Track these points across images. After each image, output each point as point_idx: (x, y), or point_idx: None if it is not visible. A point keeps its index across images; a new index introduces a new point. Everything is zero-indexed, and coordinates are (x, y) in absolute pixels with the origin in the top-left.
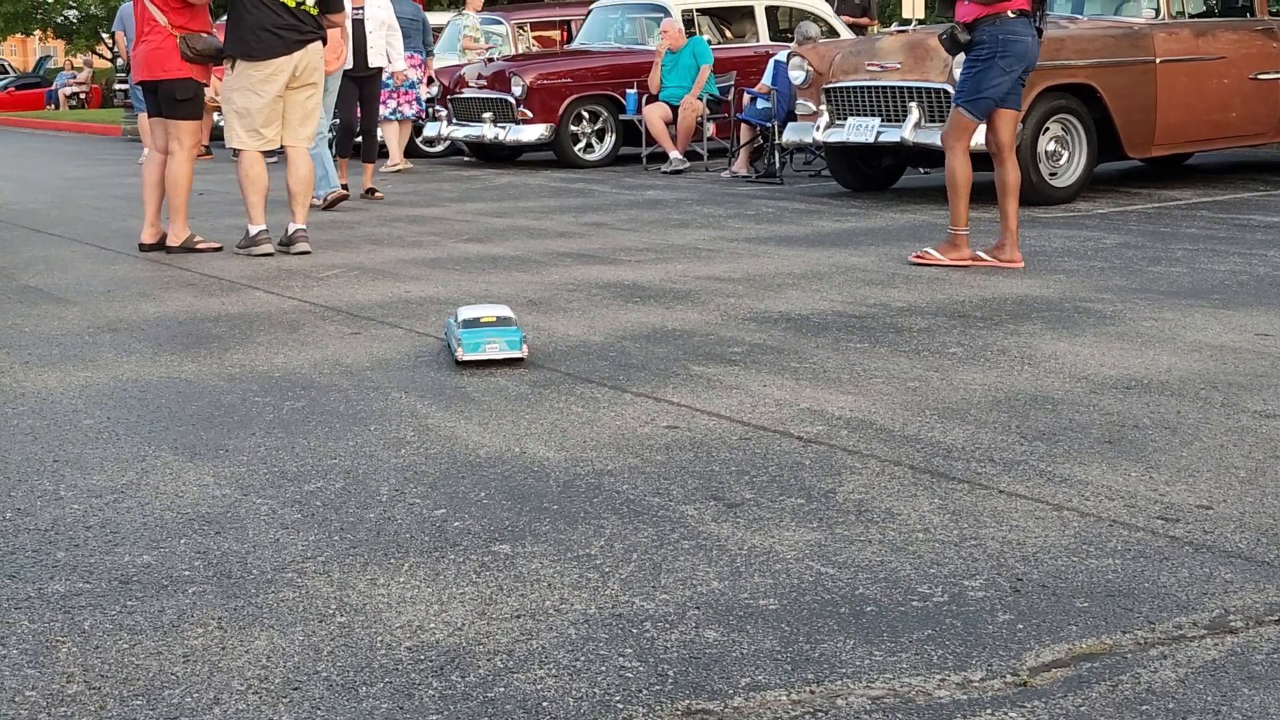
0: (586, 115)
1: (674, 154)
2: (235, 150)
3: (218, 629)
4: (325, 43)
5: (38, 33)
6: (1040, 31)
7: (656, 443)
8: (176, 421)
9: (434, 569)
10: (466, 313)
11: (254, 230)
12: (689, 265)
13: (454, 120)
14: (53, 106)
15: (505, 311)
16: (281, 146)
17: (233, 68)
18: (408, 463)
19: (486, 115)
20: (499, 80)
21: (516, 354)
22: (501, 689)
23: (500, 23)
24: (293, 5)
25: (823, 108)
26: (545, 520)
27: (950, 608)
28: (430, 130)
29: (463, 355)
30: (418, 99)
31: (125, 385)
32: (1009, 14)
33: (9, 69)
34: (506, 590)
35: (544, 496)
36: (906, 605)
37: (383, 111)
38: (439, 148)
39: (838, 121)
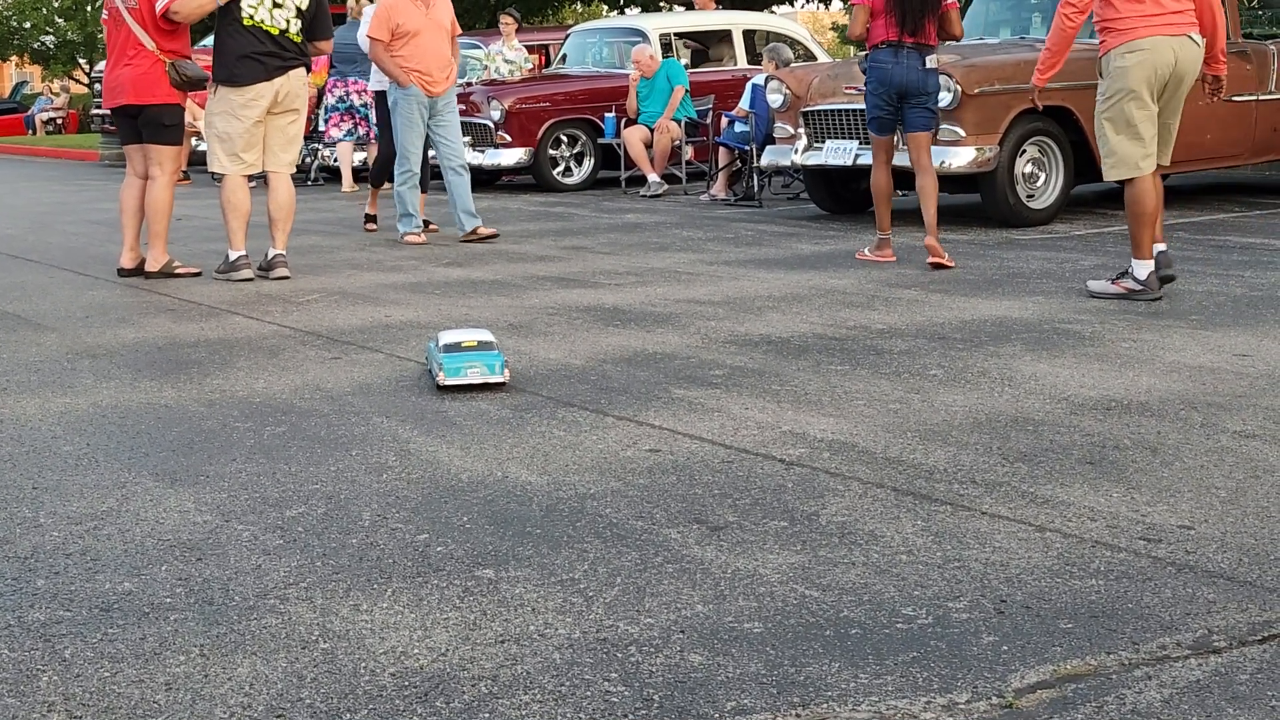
0: (565, 139)
1: (652, 177)
2: (217, 175)
3: (200, 656)
4: (309, 70)
5: (14, 58)
6: (923, 60)
7: (639, 466)
8: (157, 448)
9: (417, 594)
10: (447, 337)
11: (234, 255)
12: (669, 288)
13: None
14: (30, 132)
15: (486, 336)
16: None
17: (215, 92)
18: (390, 487)
19: (465, 139)
20: (477, 104)
21: (497, 379)
22: (486, 715)
23: (479, 47)
24: (276, 33)
25: (801, 131)
26: (528, 544)
27: (935, 629)
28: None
29: (444, 380)
30: (369, 122)
31: (105, 411)
32: (877, 45)
33: None
34: (490, 615)
35: (527, 521)
36: (891, 627)
37: (336, 134)
38: None
39: (816, 144)
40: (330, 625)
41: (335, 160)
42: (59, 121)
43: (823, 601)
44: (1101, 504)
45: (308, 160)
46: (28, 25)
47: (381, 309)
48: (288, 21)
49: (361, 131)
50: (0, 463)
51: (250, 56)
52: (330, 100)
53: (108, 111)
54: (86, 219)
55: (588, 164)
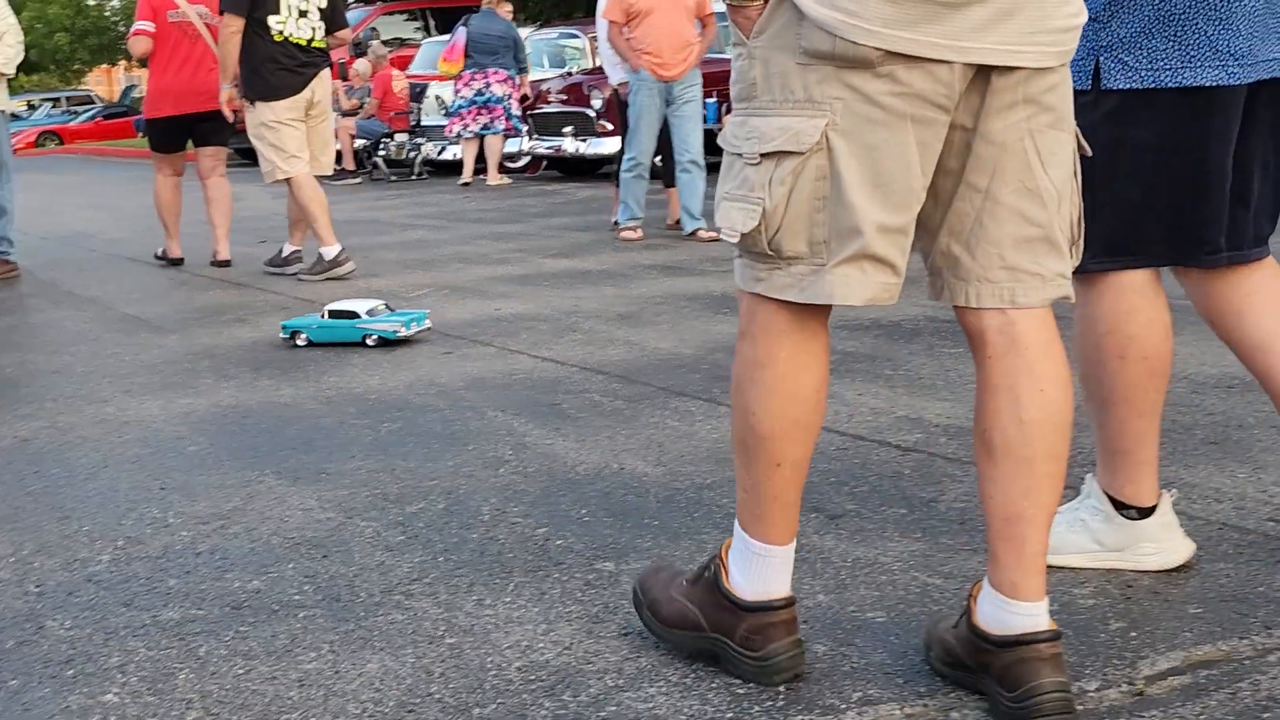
0: None
1: None
2: (284, 180)
3: (330, 653)
4: (332, 67)
5: (123, 62)
6: None
7: None
8: (278, 446)
9: (539, 588)
10: (355, 306)
11: (330, 253)
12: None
13: (535, 135)
14: (139, 135)
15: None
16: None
17: (253, 107)
18: (507, 482)
19: (566, 129)
20: (578, 94)
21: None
22: (614, 708)
23: (578, 36)
24: (304, 43)
25: None
26: (647, 536)
27: (1061, 616)
28: (511, 146)
29: (411, 330)
30: (507, 114)
31: (226, 411)
32: None
33: (96, 99)
34: (612, 608)
35: (644, 512)
36: None
37: (473, 128)
38: (520, 163)
39: None
40: (455, 620)
41: (457, 155)
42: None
43: (945, 589)
44: (1227, 485)
45: (411, 155)
46: None
47: (491, 302)
48: (313, 30)
49: (501, 125)
50: (128, 463)
51: (285, 69)
52: (467, 94)
53: (157, 117)
54: (199, 219)
55: None
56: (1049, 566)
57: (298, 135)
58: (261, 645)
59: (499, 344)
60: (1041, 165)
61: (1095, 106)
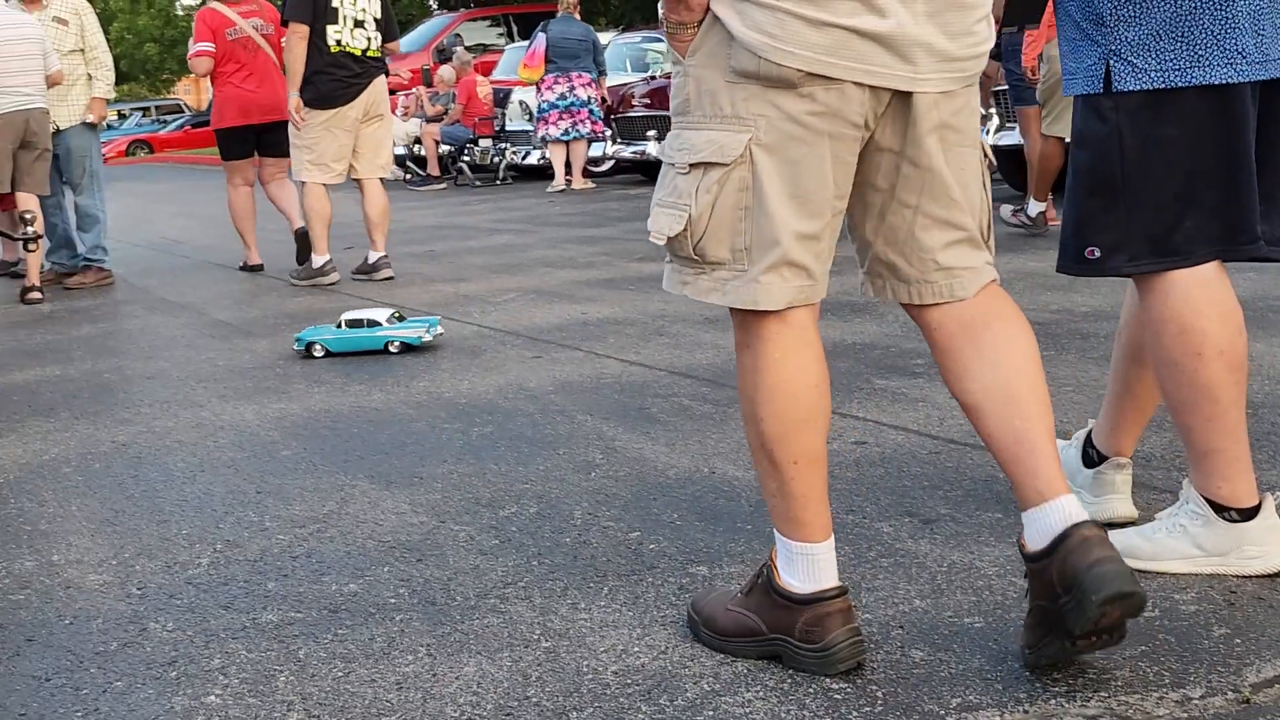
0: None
1: None
2: (302, 181)
3: (427, 656)
4: (387, 74)
5: None
6: None
7: (845, 459)
8: (370, 450)
9: (633, 592)
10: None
11: (318, 261)
12: None
13: (619, 139)
14: None
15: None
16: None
17: (306, 111)
18: (598, 485)
19: (651, 133)
20: (662, 98)
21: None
22: (711, 712)
23: (661, 40)
24: (359, 53)
25: (992, 111)
26: (740, 540)
27: (1163, 623)
28: (595, 150)
29: (431, 334)
30: (592, 115)
31: (318, 416)
32: None
33: (185, 108)
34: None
35: (736, 516)
36: None
37: (554, 132)
38: (604, 167)
39: (1008, 124)
40: (550, 624)
41: (543, 159)
42: None
43: None
44: None
45: (495, 160)
46: None
47: (578, 306)
48: (368, 40)
49: (585, 129)
50: (224, 467)
51: (338, 79)
52: (550, 97)
53: (224, 128)
54: (279, 225)
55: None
56: (1148, 573)
57: (335, 145)
58: (359, 648)
59: (586, 348)
60: (959, 181)
61: (1116, 111)
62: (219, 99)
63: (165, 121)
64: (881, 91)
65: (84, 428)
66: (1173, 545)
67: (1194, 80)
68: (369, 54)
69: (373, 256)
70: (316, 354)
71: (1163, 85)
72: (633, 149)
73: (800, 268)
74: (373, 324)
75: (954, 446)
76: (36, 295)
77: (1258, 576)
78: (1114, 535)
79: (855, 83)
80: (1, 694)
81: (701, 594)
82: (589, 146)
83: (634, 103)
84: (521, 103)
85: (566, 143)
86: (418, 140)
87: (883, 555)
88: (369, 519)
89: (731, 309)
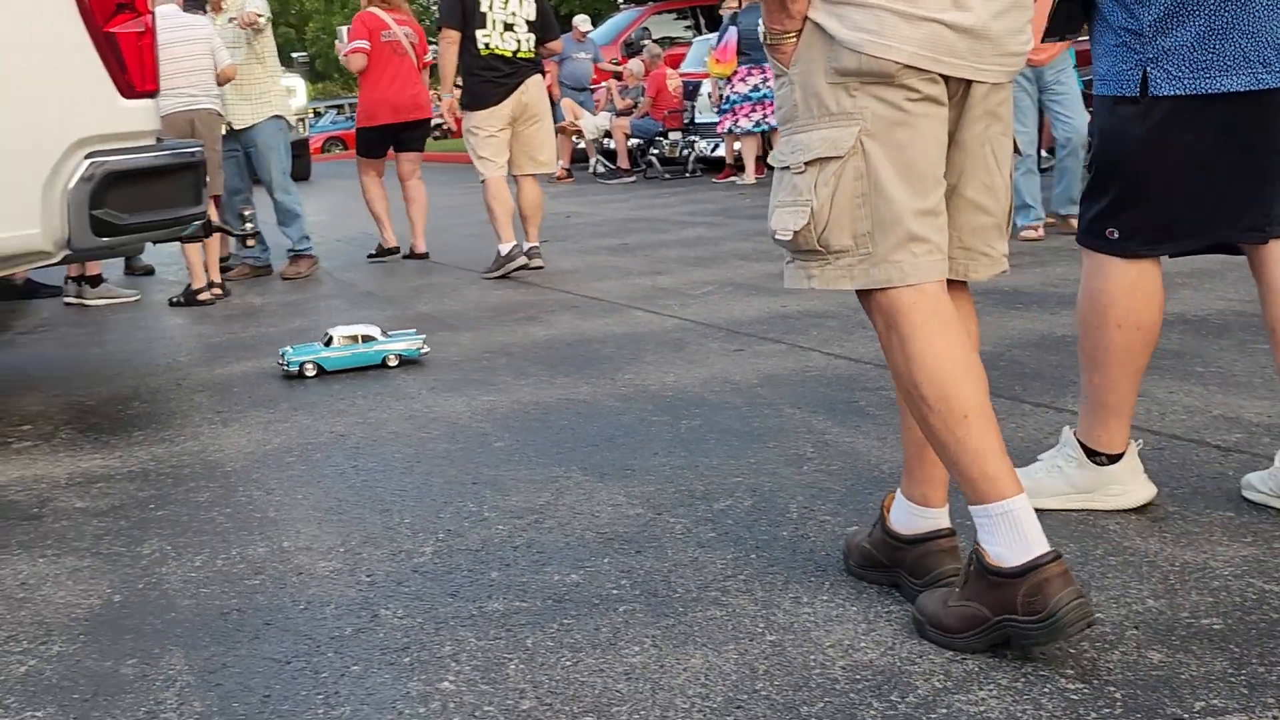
0: None
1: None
2: (482, 179)
3: (653, 647)
4: (544, 74)
5: None
6: None
7: None
8: (581, 442)
9: (856, 587)
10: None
11: (505, 248)
12: (1067, 268)
13: None
14: None
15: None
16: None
17: (464, 112)
18: (811, 479)
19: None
20: None
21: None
22: (944, 710)
23: None
24: (509, 55)
25: None
26: (960, 536)
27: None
28: None
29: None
30: None
31: (527, 408)
32: None
33: None
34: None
35: (954, 512)
36: None
37: (746, 124)
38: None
39: None
40: (774, 618)
41: (736, 149)
42: (445, 127)
43: None
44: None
45: (685, 153)
46: None
47: (776, 299)
48: (518, 42)
49: (775, 120)
50: (439, 459)
51: (489, 82)
52: (742, 89)
53: (370, 125)
54: (479, 219)
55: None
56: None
57: (495, 142)
58: (585, 638)
59: (789, 341)
60: (997, 165)
61: (1149, 112)
62: (369, 98)
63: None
64: (956, 80)
65: (303, 418)
66: (1049, 484)
67: (1223, 87)
68: (520, 55)
69: (525, 246)
70: (309, 373)
71: (1194, 91)
72: None
73: (925, 241)
74: (367, 339)
75: (1178, 442)
76: (217, 291)
77: (1118, 511)
78: None
79: (941, 73)
80: (245, 675)
81: (921, 597)
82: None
83: None
84: (710, 95)
85: (760, 134)
86: (607, 134)
87: (1110, 553)
88: (585, 510)
89: (864, 298)
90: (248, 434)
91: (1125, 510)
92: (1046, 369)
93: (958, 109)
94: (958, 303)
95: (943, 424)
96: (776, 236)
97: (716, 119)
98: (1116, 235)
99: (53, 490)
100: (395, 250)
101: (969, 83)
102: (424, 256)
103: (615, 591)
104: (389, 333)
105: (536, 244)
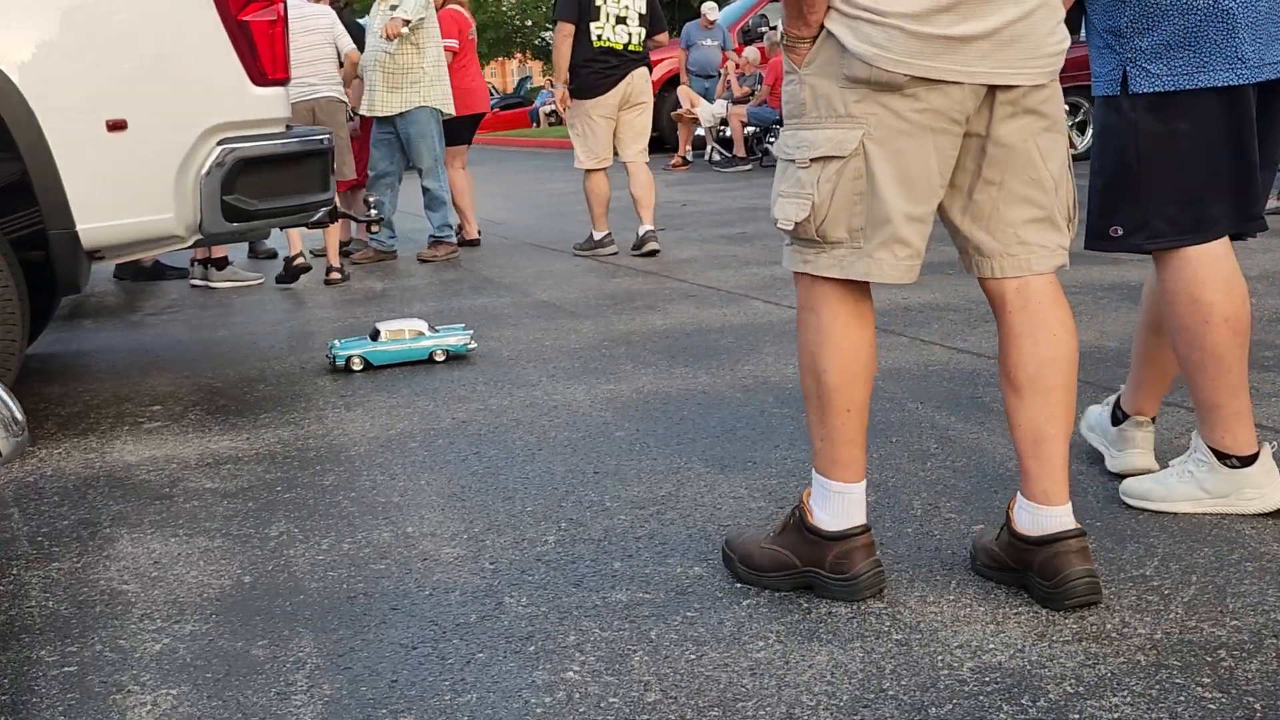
0: (1066, 107)
1: None
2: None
3: (777, 642)
4: (650, 67)
5: (517, 55)
6: None
7: None
8: (701, 433)
9: (983, 587)
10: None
11: (598, 235)
12: None
13: None
14: (534, 124)
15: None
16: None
17: (572, 101)
18: (936, 476)
19: None
20: None
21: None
22: (1076, 716)
23: None
24: (620, 48)
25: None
26: (1091, 538)
27: None
28: None
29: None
30: None
31: (647, 397)
32: None
33: (494, 91)
34: (1063, 612)
35: (1084, 512)
36: None
37: None
38: None
39: None
40: (900, 616)
41: None
42: (556, 114)
43: None
44: None
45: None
46: (529, 23)
47: (898, 292)
48: (629, 35)
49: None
50: (561, 447)
51: (597, 72)
52: None
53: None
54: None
55: (1089, 133)
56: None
57: (601, 133)
58: (710, 631)
59: (910, 334)
60: (1042, 160)
61: (1132, 109)
62: (456, 90)
63: None
64: (978, 87)
65: (425, 404)
66: (1182, 489)
67: (1199, 83)
68: (630, 48)
69: (641, 230)
70: (355, 367)
71: (1172, 88)
72: None
73: (908, 245)
74: (415, 333)
75: None
76: (336, 275)
77: (1255, 515)
78: (1131, 482)
79: (953, 82)
80: (372, 659)
81: (734, 534)
82: None
83: None
84: None
85: None
86: (724, 122)
87: (1246, 559)
88: (707, 502)
89: (799, 275)
90: (371, 419)
91: (1261, 514)
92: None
93: (987, 111)
94: (1049, 294)
95: (828, 409)
96: (779, 224)
97: None
98: (1120, 233)
99: (183, 470)
100: (476, 242)
101: (993, 86)
102: (475, 243)
103: (739, 585)
104: (437, 327)
105: (652, 227)
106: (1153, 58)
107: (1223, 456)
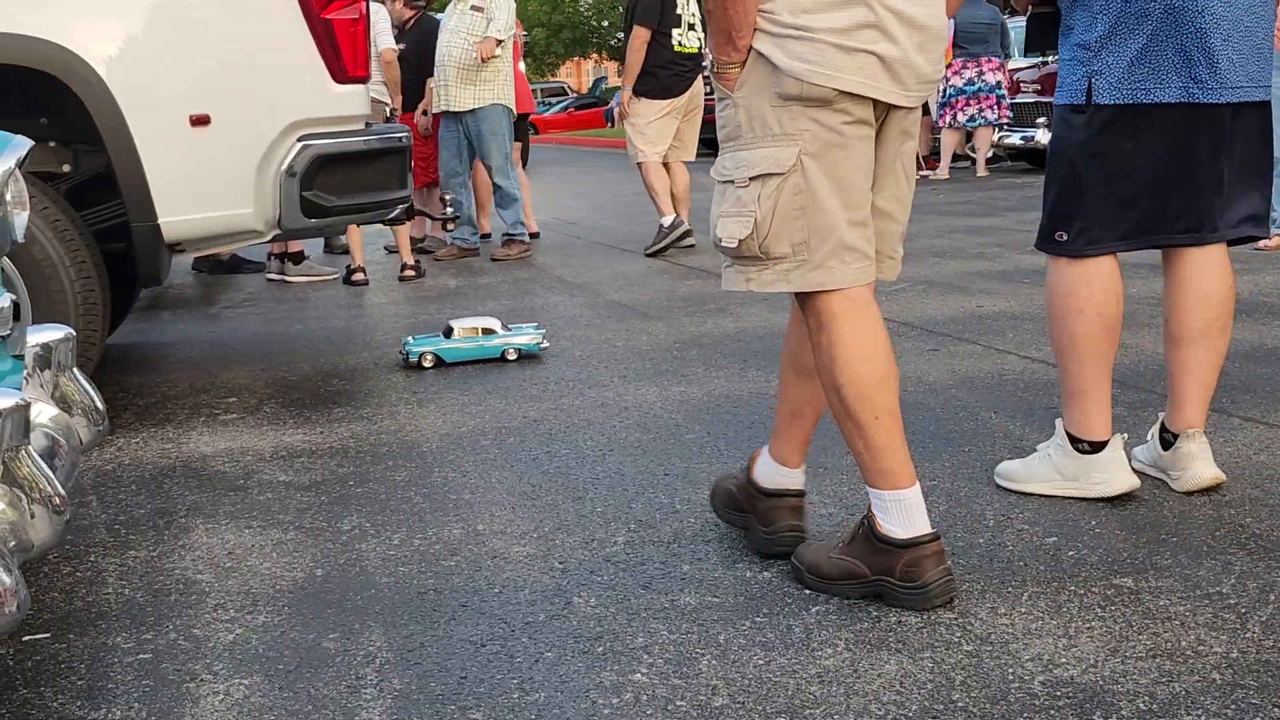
0: None
1: None
2: (639, 162)
3: (846, 650)
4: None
5: (593, 55)
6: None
7: (1275, 473)
8: None
9: (1055, 600)
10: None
11: (666, 221)
12: (1256, 275)
13: (1008, 125)
14: (609, 124)
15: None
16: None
17: (638, 99)
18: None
19: (1041, 120)
20: (1054, 83)
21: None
22: None
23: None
24: (692, 52)
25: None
26: (1166, 553)
27: None
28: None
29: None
30: (1000, 100)
31: (719, 400)
32: None
33: (569, 91)
34: (1137, 627)
35: (1160, 527)
36: None
37: (960, 118)
38: (988, 154)
39: None
40: (971, 627)
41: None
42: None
43: None
44: None
45: None
46: (605, 24)
47: (972, 299)
48: (699, 40)
49: (993, 114)
50: (631, 448)
51: (675, 75)
52: (958, 83)
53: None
54: (648, 209)
55: None
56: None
57: (666, 131)
58: (778, 637)
59: (984, 342)
60: (905, 178)
61: (1090, 121)
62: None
63: (549, 104)
64: (881, 104)
65: (496, 402)
66: (1040, 470)
67: (1157, 98)
68: (699, 52)
69: (677, 223)
70: (427, 364)
71: (1130, 101)
72: (1021, 135)
73: (855, 250)
74: (488, 331)
75: None
76: (410, 272)
77: (1098, 500)
78: (1004, 464)
79: (873, 99)
80: (442, 655)
81: (802, 547)
82: (995, 133)
83: (1024, 88)
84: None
85: (966, 130)
86: None
87: None
88: None
89: (801, 300)
90: (443, 415)
91: (1104, 499)
92: (1257, 382)
93: (877, 130)
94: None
95: (857, 422)
96: (722, 244)
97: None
98: (1065, 238)
99: (257, 463)
100: (536, 235)
101: (890, 106)
102: (534, 235)
103: (807, 592)
104: (509, 326)
105: (685, 222)
106: (1118, 71)
107: (1076, 441)
